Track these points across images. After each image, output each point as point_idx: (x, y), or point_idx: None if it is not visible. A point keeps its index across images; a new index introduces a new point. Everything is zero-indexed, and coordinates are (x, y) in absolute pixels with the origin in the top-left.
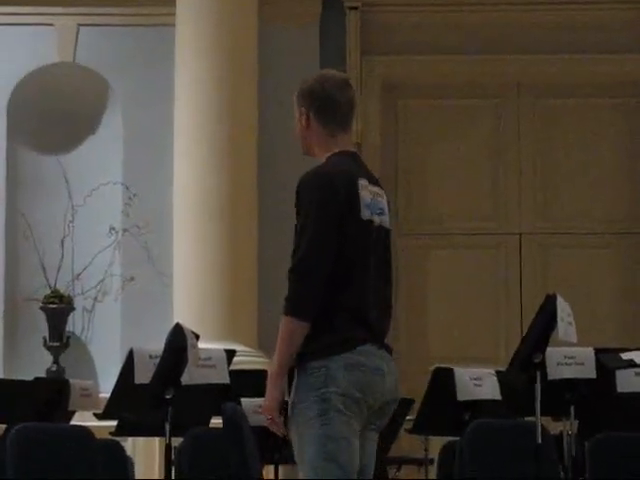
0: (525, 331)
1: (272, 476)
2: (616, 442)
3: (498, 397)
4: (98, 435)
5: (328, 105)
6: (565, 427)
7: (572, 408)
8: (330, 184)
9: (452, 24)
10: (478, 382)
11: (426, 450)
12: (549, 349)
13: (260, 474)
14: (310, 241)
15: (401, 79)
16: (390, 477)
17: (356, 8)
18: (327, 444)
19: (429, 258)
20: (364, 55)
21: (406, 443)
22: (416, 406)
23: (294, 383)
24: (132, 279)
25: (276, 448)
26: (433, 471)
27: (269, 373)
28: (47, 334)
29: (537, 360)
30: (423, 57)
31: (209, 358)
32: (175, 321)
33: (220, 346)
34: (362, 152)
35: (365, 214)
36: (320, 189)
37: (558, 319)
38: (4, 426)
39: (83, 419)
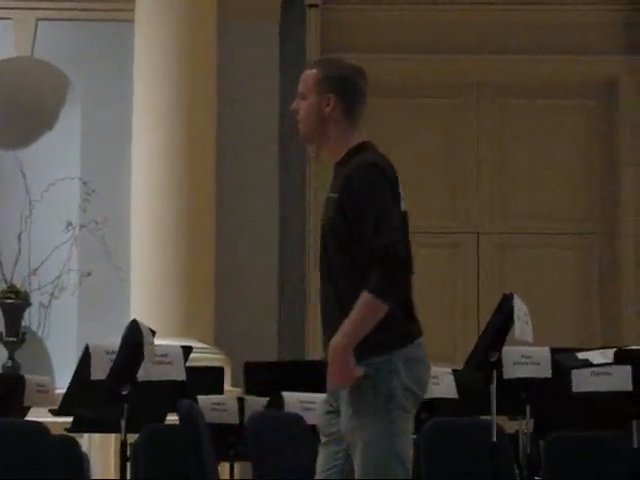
0: (482, 330)
1: (228, 473)
2: (571, 441)
3: (455, 396)
4: (53, 431)
5: (357, 97)
6: (521, 426)
7: (528, 407)
8: (390, 172)
9: (412, 23)
10: (435, 381)
11: None
12: (505, 348)
13: (216, 471)
14: (392, 227)
15: None
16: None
17: (316, 6)
18: (395, 443)
19: None
20: (324, 53)
21: None
22: None
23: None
24: (89, 274)
25: (232, 445)
26: None
27: (335, 347)
28: (3, 329)
29: (493, 359)
30: (383, 56)
31: (166, 354)
32: (132, 317)
33: (177, 342)
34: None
35: (403, 205)
36: (383, 176)
37: (515, 318)
38: None
39: (38, 415)
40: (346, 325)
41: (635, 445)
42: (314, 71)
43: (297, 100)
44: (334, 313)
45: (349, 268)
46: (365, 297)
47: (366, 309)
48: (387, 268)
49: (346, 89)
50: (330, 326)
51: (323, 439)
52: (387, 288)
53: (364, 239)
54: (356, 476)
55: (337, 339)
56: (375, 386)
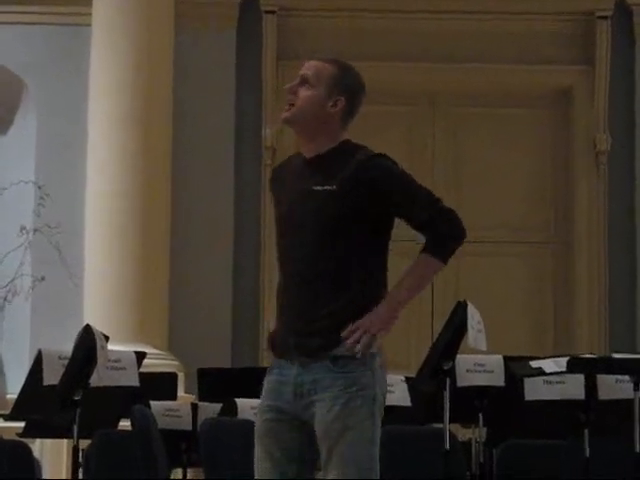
0: (436, 338)
1: (180, 478)
2: (524, 449)
3: (408, 403)
4: (5, 436)
5: (358, 107)
6: (474, 434)
7: (481, 415)
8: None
9: (368, 31)
10: (388, 388)
11: None
12: (459, 356)
13: (168, 477)
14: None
15: None
16: None
17: (273, 12)
18: (375, 448)
19: None
20: (280, 60)
21: None
22: None
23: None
24: (42, 279)
25: (185, 451)
26: None
27: (397, 297)
28: None
29: (447, 367)
30: None
31: (119, 360)
32: (85, 322)
33: (130, 348)
34: (276, 156)
35: None
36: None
37: (468, 327)
38: None
39: None
40: (406, 281)
41: (587, 453)
42: (332, 68)
43: (297, 82)
44: (326, 311)
45: (351, 254)
46: (425, 259)
47: (431, 272)
48: (454, 229)
49: (354, 98)
50: (304, 332)
51: (276, 453)
52: (451, 251)
53: (423, 204)
54: (334, 475)
55: (398, 291)
56: (367, 387)
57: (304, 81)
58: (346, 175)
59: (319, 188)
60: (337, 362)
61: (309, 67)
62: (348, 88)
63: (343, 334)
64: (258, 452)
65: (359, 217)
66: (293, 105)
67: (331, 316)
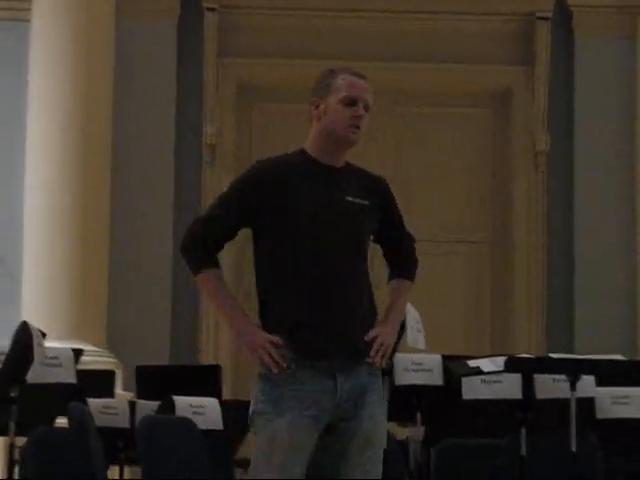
0: None
1: (117, 476)
2: (461, 448)
3: None
4: None
5: None
6: (411, 433)
7: (419, 414)
8: None
9: (310, 28)
10: None
11: None
12: (397, 355)
13: (105, 475)
14: None
15: (257, 82)
16: (237, 479)
17: (214, 9)
18: None
19: None
20: (220, 57)
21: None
22: None
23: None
24: None
25: (122, 449)
26: None
27: (396, 318)
28: None
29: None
30: (280, 60)
31: (56, 357)
32: (22, 318)
33: (68, 345)
34: (216, 154)
35: None
36: None
37: (407, 326)
38: None
39: None
40: (400, 303)
41: (523, 452)
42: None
43: (362, 107)
44: (365, 321)
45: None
46: (407, 284)
47: (407, 290)
48: (416, 258)
49: None
50: (349, 335)
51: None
52: (415, 274)
53: (406, 234)
54: (364, 476)
55: (397, 312)
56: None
57: (366, 107)
58: (372, 193)
59: (351, 199)
60: (372, 368)
61: (368, 92)
62: None
63: (374, 347)
64: (291, 460)
65: (371, 234)
66: (358, 128)
67: (362, 324)
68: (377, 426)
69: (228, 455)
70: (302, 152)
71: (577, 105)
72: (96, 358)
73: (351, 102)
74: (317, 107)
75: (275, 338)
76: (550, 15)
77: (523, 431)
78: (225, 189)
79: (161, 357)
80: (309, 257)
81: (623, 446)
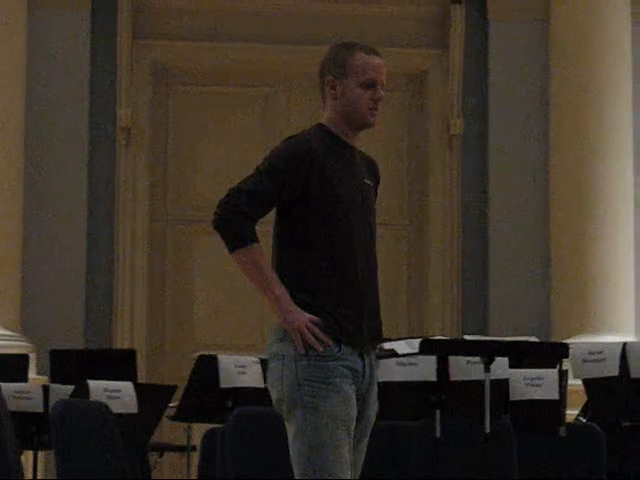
0: None
1: (31, 462)
2: (376, 431)
3: (261, 385)
4: None
5: None
6: None
7: None
8: None
9: (226, 11)
10: (242, 369)
11: (189, 437)
12: None
13: (19, 460)
14: None
15: (173, 65)
16: (152, 464)
17: None
18: None
19: (197, 244)
20: (135, 39)
21: (169, 430)
22: (179, 393)
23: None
24: None
25: (35, 434)
26: (196, 458)
27: None
28: None
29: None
30: (195, 43)
31: None
32: None
33: None
34: (131, 137)
35: None
36: None
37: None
38: None
39: None
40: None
41: (438, 434)
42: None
43: (380, 88)
44: (378, 305)
45: None
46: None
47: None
48: None
49: None
50: (375, 316)
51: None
52: None
53: None
54: (358, 460)
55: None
56: None
57: (382, 86)
58: (371, 175)
59: (367, 182)
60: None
61: (384, 70)
62: None
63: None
64: (342, 436)
65: None
66: (377, 110)
67: (379, 307)
68: (374, 413)
69: (143, 439)
70: (324, 130)
71: (491, 88)
72: (9, 342)
73: (370, 84)
74: (333, 87)
75: (316, 318)
76: None
77: (437, 413)
78: (263, 163)
79: (76, 341)
80: (345, 238)
81: (535, 426)
